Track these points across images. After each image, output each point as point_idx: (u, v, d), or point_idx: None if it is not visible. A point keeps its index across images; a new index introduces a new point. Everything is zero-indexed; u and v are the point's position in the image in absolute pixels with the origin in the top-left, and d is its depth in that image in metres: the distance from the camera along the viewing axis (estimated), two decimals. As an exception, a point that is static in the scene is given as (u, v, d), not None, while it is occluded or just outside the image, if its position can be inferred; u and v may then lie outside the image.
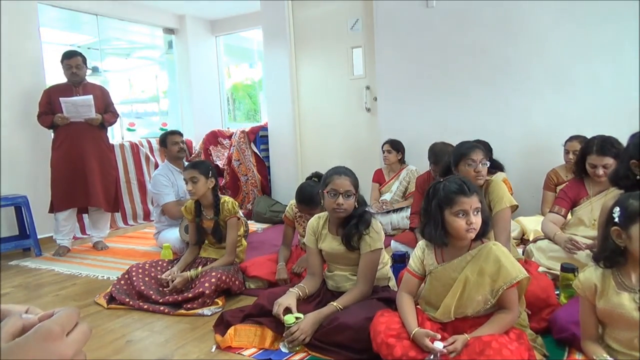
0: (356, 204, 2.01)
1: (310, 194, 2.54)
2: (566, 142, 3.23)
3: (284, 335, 1.85)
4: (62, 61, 3.71)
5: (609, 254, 1.42)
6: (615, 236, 1.39)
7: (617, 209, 1.39)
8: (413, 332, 1.56)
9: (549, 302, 1.94)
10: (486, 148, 2.34)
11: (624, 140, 2.40)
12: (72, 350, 0.46)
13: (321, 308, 1.92)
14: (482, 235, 1.64)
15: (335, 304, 1.90)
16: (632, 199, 1.36)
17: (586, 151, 2.43)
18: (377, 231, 2.00)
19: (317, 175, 2.71)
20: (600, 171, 2.35)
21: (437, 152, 3.03)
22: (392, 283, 2.21)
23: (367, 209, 2.07)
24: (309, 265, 2.18)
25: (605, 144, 2.36)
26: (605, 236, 1.44)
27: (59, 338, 0.45)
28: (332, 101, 4.73)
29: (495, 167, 3.33)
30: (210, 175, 2.67)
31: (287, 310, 1.89)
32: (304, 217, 2.75)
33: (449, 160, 2.31)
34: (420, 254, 1.76)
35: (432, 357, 1.47)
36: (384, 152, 3.97)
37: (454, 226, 1.59)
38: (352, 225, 1.98)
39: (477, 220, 1.58)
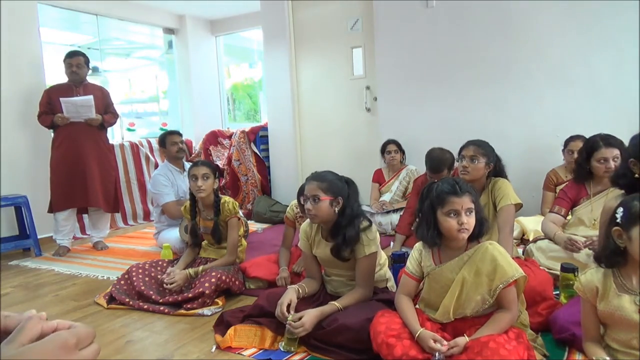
0: (336, 209, 1.94)
1: None
2: (569, 142, 3.21)
3: (286, 329, 1.84)
4: (64, 60, 3.72)
5: (609, 254, 1.42)
6: (617, 236, 1.39)
7: (620, 210, 1.39)
8: (418, 333, 1.56)
9: (544, 295, 1.95)
10: (488, 150, 2.34)
11: (624, 140, 2.40)
12: None
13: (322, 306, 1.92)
14: (477, 236, 1.64)
15: (336, 303, 1.91)
16: (637, 201, 1.36)
17: (592, 148, 2.41)
18: (370, 237, 1.95)
19: None
20: (612, 164, 2.34)
21: (434, 158, 2.99)
22: (391, 284, 2.21)
23: (356, 220, 1.95)
24: (306, 270, 2.18)
25: (609, 137, 2.40)
26: (606, 236, 1.44)
27: (73, 350, 0.47)
28: (332, 101, 4.73)
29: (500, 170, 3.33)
30: (217, 175, 2.72)
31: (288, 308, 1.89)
32: (305, 218, 2.75)
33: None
34: (417, 255, 1.76)
35: (436, 357, 1.48)
36: (390, 153, 3.95)
37: (445, 226, 1.59)
38: (341, 240, 1.92)
39: (469, 221, 1.58)
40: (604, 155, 2.36)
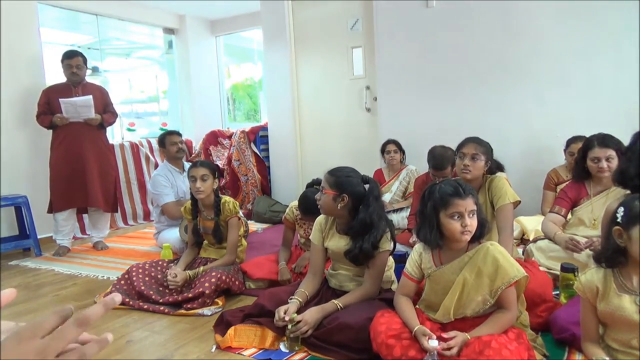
0: (339, 206, 1.95)
1: (315, 203, 2.50)
2: (570, 143, 3.21)
3: (287, 328, 1.83)
4: (62, 61, 3.71)
5: (611, 254, 1.41)
6: (617, 236, 1.39)
7: (621, 209, 1.39)
8: (415, 329, 1.56)
9: (544, 297, 1.95)
10: (487, 148, 2.33)
11: (624, 140, 2.40)
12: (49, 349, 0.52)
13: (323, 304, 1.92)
14: (478, 237, 1.63)
15: (336, 302, 1.90)
16: (637, 201, 1.36)
17: (587, 147, 2.42)
18: (387, 235, 1.97)
19: (318, 182, 2.68)
20: (604, 164, 2.34)
21: (437, 156, 3.00)
22: (395, 286, 2.20)
23: (374, 232, 1.92)
24: (311, 263, 2.17)
25: (605, 137, 2.39)
26: (607, 236, 1.44)
27: (32, 339, 0.51)
28: (332, 101, 4.73)
29: (496, 167, 3.34)
30: (216, 175, 2.71)
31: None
32: (305, 221, 2.75)
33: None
34: (417, 257, 1.75)
35: (429, 356, 1.47)
36: (389, 153, 3.94)
37: (448, 228, 1.59)
38: (357, 250, 1.91)
39: (472, 223, 1.58)
40: (596, 155, 2.37)
